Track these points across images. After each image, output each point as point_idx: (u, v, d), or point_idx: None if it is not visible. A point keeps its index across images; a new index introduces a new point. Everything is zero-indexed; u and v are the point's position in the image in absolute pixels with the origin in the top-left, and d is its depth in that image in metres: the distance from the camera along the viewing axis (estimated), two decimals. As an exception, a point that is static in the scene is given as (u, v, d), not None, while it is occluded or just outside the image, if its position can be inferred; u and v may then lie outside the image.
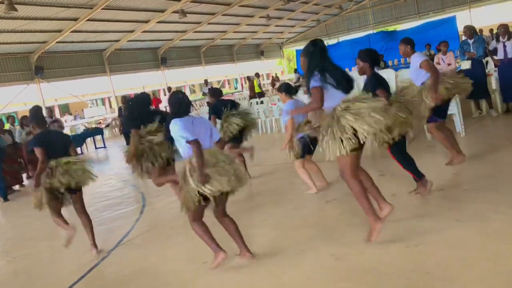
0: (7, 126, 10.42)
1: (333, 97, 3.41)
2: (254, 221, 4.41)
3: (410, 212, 3.84)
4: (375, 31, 28.22)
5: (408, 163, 4.23)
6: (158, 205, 5.85)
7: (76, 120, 20.79)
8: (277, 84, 24.64)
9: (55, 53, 17.93)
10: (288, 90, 5.07)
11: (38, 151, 4.04)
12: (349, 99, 3.42)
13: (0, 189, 8.22)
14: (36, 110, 4.53)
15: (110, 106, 23.86)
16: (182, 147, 3.37)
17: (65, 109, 24.79)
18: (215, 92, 6.39)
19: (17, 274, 4.41)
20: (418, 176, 4.20)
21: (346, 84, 3.49)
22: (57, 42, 16.83)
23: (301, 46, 31.58)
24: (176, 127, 3.34)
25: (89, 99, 23.70)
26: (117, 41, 19.63)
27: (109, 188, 7.57)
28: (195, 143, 3.25)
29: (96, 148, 14.48)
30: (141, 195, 6.51)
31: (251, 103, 12.91)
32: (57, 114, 23.17)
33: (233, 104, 5.98)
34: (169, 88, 18.02)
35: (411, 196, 4.20)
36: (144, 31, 19.23)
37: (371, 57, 4.18)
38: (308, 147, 4.87)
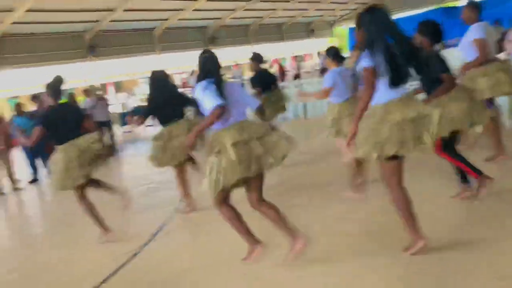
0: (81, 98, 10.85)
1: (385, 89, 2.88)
2: (299, 221, 3.88)
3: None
4: (434, 7, 26.55)
5: (464, 159, 3.69)
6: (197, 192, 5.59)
7: (129, 97, 21.36)
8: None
9: (107, 32, 18.36)
10: (337, 55, 4.58)
11: (37, 130, 3.98)
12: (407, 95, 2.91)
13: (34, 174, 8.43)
14: (56, 79, 4.18)
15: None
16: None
17: (118, 86, 25.55)
18: (257, 58, 5.78)
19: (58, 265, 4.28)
20: (478, 172, 3.68)
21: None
22: (110, 21, 17.22)
23: (353, 24, 30.30)
24: (200, 91, 3.09)
25: (141, 77, 24.22)
26: (167, 19, 19.78)
27: (150, 170, 7.66)
28: (217, 110, 2.97)
29: (145, 126, 14.81)
30: None
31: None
32: (110, 91, 23.96)
33: (274, 80, 5.69)
34: (234, 64, 17.96)
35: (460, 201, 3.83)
36: (194, 10, 19.22)
37: (432, 31, 3.60)
38: None
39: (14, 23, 14.17)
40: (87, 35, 17.63)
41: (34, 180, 8.08)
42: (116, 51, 19.01)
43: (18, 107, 8.11)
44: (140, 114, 4.64)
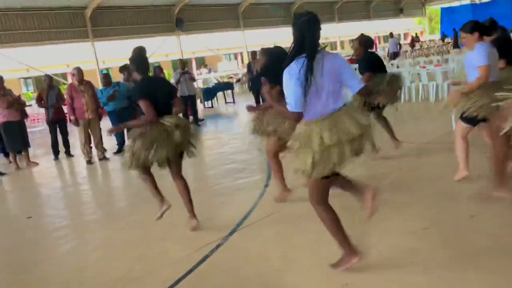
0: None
1: None
2: (412, 227, 3.35)
3: None
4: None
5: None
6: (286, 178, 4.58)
7: (211, 73, 21.53)
8: (417, 45, 22.34)
9: (194, 6, 18.46)
10: (482, 29, 3.70)
11: (142, 103, 3.57)
12: None
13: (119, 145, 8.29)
14: (140, 50, 3.77)
15: (242, 62, 24.23)
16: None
17: (201, 62, 25.89)
18: (367, 42, 5.09)
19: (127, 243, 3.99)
20: None
21: None
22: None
23: (447, 3, 28.00)
24: (285, 79, 2.53)
25: (223, 53, 24.30)
26: (253, -6, 19.47)
27: (233, 149, 7.44)
28: (293, 115, 2.56)
29: (226, 102, 14.81)
30: (266, 163, 6.13)
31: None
32: (193, 66, 24.37)
33: (381, 64, 5.11)
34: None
35: None
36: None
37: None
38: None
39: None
40: (175, 9, 17.85)
41: (119, 151, 8.23)
42: (201, 26, 19.11)
43: (105, 78, 8.24)
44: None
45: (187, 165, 4.31)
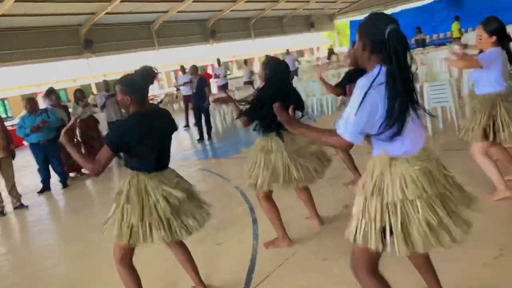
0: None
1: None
2: (481, 257, 2.73)
3: None
4: (439, -2, 25.74)
5: None
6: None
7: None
8: (333, 57, 22.98)
9: (104, 25, 16.95)
10: (502, 32, 3.30)
11: (104, 151, 2.46)
12: None
13: (59, 174, 7.28)
14: (144, 69, 2.55)
15: (158, 82, 22.96)
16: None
17: (113, 85, 24.13)
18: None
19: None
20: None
21: None
22: (106, 13, 15.84)
23: (354, 17, 29.58)
24: (355, 94, 1.74)
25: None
26: (166, 12, 18.48)
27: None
28: (343, 143, 1.78)
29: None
30: (238, 190, 5.26)
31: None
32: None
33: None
34: (218, 61, 16.58)
35: None
36: (194, 1, 17.97)
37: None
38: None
39: (2, 15, 12.67)
40: (82, 29, 16.20)
41: (44, 190, 6.92)
42: (113, 47, 17.60)
43: (29, 103, 6.82)
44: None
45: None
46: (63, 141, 2.51)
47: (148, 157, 2.55)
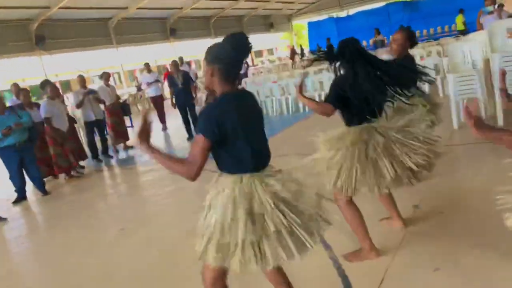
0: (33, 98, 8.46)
1: None
2: None
3: None
4: (392, 1, 26.43)
5: None
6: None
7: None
8: (297, 57, 22.83)
9: (57, 21, 15.58)
10: None
11: (199, 142, 1.85)
12: None
13: (36, 180, 6.33)
14: (235, 37, 1.93)
15: (115, 83, 21.60)
16: None
17: (66, 86, 22.37)
18: None
19: None
20: None
21: None
22: (60, 8, 14.55)
23: (311, 18, 29.71)
24: None
25: (94, 75, 21.35)
26: (125, 8, 17.39)
27: (171, 187, 5.73)
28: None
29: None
30: None
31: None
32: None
33: None
34: (181, 59, 15.45)
35: None
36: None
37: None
38: None
39: None
40: (33, 24, 14.75)
41: (20, 199, 6.03)
42: (67, 44, 16.25)
43: None
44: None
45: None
46: (141, 146, 1.85)
47: (247, 152, 1.92)
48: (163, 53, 21.51)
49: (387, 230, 3.21)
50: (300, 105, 9.34)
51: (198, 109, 8.98)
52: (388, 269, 2.75)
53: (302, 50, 23.59)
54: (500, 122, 5.19)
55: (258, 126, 2.02)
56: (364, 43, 24.19)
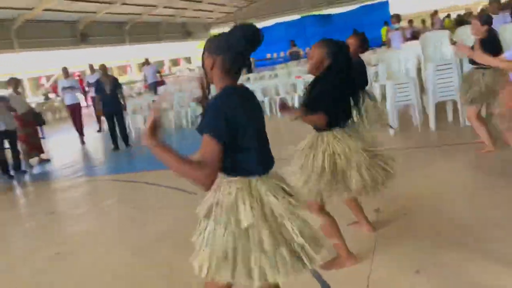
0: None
1: None
2: None
3: None
4: (308, 14, 27.54)
5: None
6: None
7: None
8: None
9: None
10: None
11: (209, 142, 1.58)
12: None
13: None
14: (244, 27, 1.68)
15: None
16: None
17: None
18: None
19: None
20: None
21: None
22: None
23: (228, 28, 29.55)
24: None
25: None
26: (30, 9, 15.91)
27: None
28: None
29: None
30: None
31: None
32: None
33: None
34: (91, 67, 14.18)
35: None
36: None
37: None
38: None
39: None
40: None
41: None
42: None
43: None
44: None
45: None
46: (150, 142, 1.54)
47: (254, 153, 1.70)
48: (73, 59, 20.05)
49: (358, 235, 3.15)
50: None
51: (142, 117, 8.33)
52: (370, 275, 2.66)
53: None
54: (432, 127, 5.50)
55: (262, 126, 1.79)
56: (281, 54, 25.00)
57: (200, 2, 23.25)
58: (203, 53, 1.76)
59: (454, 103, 5.54)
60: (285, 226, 1.67)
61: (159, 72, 16.68)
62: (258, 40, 1.71)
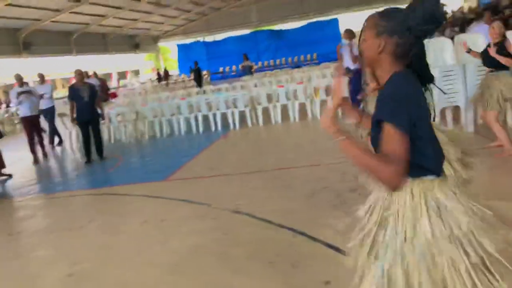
0: None
1: None
2: None
3: None
4: (259, 29, 27.76)
5: None
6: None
7: None
8: (171, 78, 21.96)
9: None
10: None
11: (397, 138, 1.28)
12: None
13: None
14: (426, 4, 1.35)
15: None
16: None
17: None
18: None
19: None
20: None
21: None
22: None
23: (179, 41, 29.15)
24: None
25: None
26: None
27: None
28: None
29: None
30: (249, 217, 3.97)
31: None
32: None
33: None
34: (41, 77, 12.77)
35: None
36: (6, 4, 14.69)
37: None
38: None
39: None
40: None
41: None
42: None
43: None
44: None
45: None
46: (332, 129, 1.30)
47: (433, 149, 1.40)
48: (13, 69, 18.54)
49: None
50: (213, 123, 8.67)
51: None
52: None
53: (166, 72, 22.90)
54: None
55: (430, 117, 1.51)
56: (233, 67, 24.86)
57: (151, 13, 22.64)
58: (365, 32, 1.44)
59: (454, 109, 5.62)
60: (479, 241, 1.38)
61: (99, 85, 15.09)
62: (443, 17, 1.41)
